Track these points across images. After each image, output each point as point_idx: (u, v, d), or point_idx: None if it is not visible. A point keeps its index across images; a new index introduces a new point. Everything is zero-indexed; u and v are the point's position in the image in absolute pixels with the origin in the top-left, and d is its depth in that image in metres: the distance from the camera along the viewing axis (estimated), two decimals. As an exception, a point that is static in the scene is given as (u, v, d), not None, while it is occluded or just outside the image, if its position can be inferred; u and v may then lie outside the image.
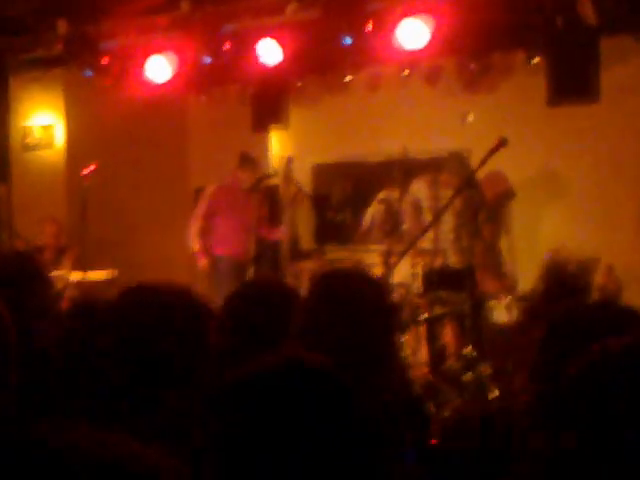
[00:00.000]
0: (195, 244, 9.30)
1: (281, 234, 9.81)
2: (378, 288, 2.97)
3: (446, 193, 8.44)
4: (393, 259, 7.09)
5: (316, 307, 2.79)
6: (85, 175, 8.81)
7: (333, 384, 1.58)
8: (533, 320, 2.92)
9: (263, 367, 1.62)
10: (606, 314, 2.11)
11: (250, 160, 9.48)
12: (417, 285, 8.70)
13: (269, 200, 10.13)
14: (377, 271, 8.15)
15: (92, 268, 8.67)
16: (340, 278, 2.97)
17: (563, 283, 4.77)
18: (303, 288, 9.81)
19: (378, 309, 2.80)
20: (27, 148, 10.42)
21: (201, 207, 9.50)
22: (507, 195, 9.73)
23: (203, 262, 9.30)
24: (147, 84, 9.43)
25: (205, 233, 9.38)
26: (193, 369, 2.31)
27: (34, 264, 3.68)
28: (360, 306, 2.76)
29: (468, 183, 7.96)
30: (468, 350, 7.56)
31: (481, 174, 7.84)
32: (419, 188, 8.89)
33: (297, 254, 10.80)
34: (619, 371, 1.62)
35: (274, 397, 1.55)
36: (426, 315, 8.19)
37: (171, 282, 2.59)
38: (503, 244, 9.60)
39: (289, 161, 9.92)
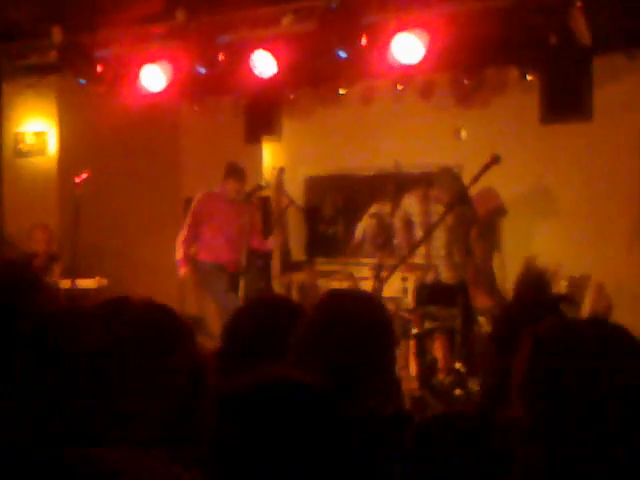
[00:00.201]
0: (178, 252, 9.26)
1: (271, 245, 9.78)
2: (379, 307, 2.98)
3: (437, 208, 8.45)
4: (384, 273, 7.07)
5: (318, 325, 2.79)
6: (78, 183, 8.80)
7: (317, 398, 1.60)
8: (509, 325, 2.91)
9: (249, 383, 1.64)
10: (595, 331, 2.11)
11: (236, 170, 9.42)
12: (408, 300, 8.70)
13: (261, 212, 10.11)
14: (368, 285, 8.15)
15: (83, 276, 8.65)
16: (343, 297, 3.00)
17: (534, 286, 4.85)
18: (293, 299, 9.80)
19: (378, 327, 2.82)
20: (19, 154, 10.40)
21: (188, 216, 9.51)
22: (499, 212, 9.75)
23: (183, 270, 9.25)
24: (141, 93, 9.42)
25: (191, 241, 9.35)
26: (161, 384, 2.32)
27: (32, 272, 3.71)
28: (362, 325, 2.78)
29: (460, 199, 7.98)
30: (458, 365, 7.56)
31: (473, 190, 7.85)
32: (410, 203, 8.89)
33: (288, 266, 10.80)
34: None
35: (260, 410, 1.58)
36: (416, 330, 8.19)
37: (152, 300, 2.59)
38: (495, 260, 9.62)
39: (281, 171, 9.93)
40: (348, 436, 1.62)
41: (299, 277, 10.43)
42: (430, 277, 8.57)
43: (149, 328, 2.44)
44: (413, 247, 8.02)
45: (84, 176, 8.82)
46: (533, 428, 1.80)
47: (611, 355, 1.82)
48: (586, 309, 8.01)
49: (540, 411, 1.80)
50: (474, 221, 8.89)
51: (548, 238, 9.53)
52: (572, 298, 7.82)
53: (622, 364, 1.79)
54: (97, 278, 8.87)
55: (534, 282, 6.99)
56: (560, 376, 1.71)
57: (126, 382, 2.30)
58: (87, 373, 2.28)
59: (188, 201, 10.00)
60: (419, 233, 8.62)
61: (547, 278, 7.96)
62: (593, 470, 1.61)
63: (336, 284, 9.82)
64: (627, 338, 1.97)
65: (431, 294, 8.36)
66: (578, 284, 8.37)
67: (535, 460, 1.75)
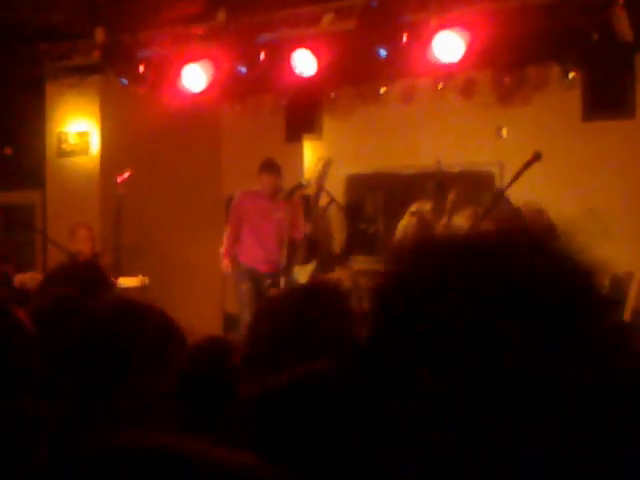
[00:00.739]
0: (223, 246, 9.35)
1: (308, 229, 9.71)
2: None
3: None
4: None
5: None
6: (120, 181, 8.87)
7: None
8: None
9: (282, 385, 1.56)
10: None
11: (267, 165, 9.46)
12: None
13: (303, 209, 10.12)
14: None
15: (125, 275, 8.71)
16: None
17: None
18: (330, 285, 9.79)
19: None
20: (62, 154, 10.49)
21: (229, 214, 9.59)
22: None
23: (225, 263, 9.32)
24: (182, 93, 9.48)
25: (234, 238, 9.43)
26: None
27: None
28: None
29: (496, 200, 7.93)
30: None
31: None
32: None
33: (327, 264, 10.81)
34: None
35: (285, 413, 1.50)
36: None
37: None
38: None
39: (327, 164, 9.83)
40: None
41: (337, 274, 10.44)
42: None
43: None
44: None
45: (126, 175, 8.89)
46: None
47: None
48: (629, 306, 7.95)
49: None
50: None
51: (590, 235, 9.45)
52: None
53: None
54: (139, 277, 8.92)
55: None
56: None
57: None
58: None
59: (229, 200, 10.06)
60: None
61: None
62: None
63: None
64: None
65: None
66: (621, 281, 8.31)
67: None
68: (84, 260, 7.01)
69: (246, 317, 8.93)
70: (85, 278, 3.65)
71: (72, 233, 9.12)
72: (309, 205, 10.72)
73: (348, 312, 2.83)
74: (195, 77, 9.29)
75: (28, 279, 8.30)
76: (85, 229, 9.21)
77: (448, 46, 8.12)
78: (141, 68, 9.46)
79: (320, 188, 9.70)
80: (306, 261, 9.91)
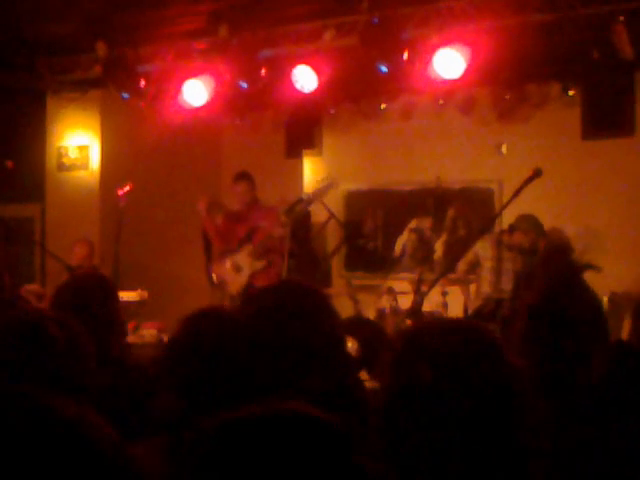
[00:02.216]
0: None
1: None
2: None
3: (509, 255, 8.38)
4: (424, 287, 7.06)
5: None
6: (121, 195, 8.86)
7: (329, 432, 1.40)
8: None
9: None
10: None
11: (241, 174, 9.38)
12: (447, 314, 8.69)
13: (302, 225, 10.08)
14: (408, 299, 8.14)
15: (124, 289, 8.69)
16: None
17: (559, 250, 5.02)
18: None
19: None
20: (62, 168, 10.50)
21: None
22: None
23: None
24: (183, 107, 9.49)
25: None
26: None
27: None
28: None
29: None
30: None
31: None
32: (484, 247, 8.76)
33: (326, 280, 10.80)
34: None
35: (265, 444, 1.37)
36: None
37: None
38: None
39: (330, 184, 9.66)
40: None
41: (336, 291, 10.43)
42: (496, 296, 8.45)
43: None
44: (453, 261, 7.99)
45: (127, 188, 8.88)
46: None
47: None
48: (628, 324, 7.93)
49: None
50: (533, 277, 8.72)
51: (589, 253, 9.45)
52: (596, 266, 7.80)
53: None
54: (138, 291, 8.90)
55: (559, 248, 6.96)
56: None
57: None
58: None
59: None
60: (487, 278, 8.58)
61: (570, 246, 7.91)
62: None
63: (375, 299, 9.83)
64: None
65: (490, 313, 8.29)
66: (620, 299, 8.30)
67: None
68: (92, 273, 6.95)
69: None
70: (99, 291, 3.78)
71: (72, 249, 9.13)
72: (308, 221, 10.72)
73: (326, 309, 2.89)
74: (196, 92, 9.30)
75: (35, 290, 8.37)
76: (82, 245, 9.19)
77: (449, 63, 8.14)
78: (142, 82, 9.47)
79: (311, 201, 9.55)
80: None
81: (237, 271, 9.25)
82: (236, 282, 9.24)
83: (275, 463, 1.32)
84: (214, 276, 9.34)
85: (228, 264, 9.26)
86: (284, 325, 2.74)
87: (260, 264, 9.18)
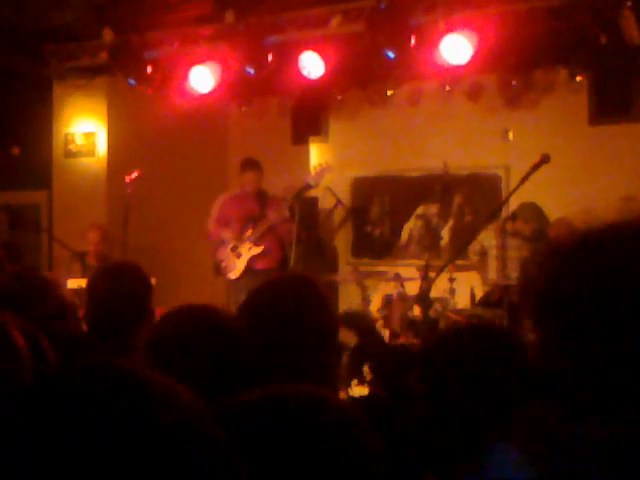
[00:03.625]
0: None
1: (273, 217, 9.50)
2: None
3: (514, 242, 8.39)
4: (432, 274, 7.06)
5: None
6: (128, 181, 8.87)
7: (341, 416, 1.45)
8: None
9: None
10: None
11: (251, 163, 9.47)
12: (454, 301, 8.70)
13: (310, 211, 10.09)
14: (415, 285, 8.15)
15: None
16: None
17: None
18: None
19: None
20: (69, 155, 10.50)
21: (212, 215, 9.62)
22: None
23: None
24: (189, 94, 9.48)
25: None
26: None
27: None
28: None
29: (539, 236, 7.99)
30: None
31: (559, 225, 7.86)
32: (488, 236, 8.75)
33: (332, 266, 10.82)
34: None
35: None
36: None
37: None
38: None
39: (326, 169, 9.63)
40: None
41: (343, 277, 10.45)
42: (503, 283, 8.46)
43: None
44: (460, 248, 8.00)
45: (135, 175, 8.89)
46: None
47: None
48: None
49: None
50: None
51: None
52: None
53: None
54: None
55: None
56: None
57: None
58: None
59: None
60: (493, 264, 8.59)
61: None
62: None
63: (382, 285, 9.84)
64: None
65: (497, 300, 8.30)
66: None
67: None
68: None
69: None
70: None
71: (84, 234, 9.14)
72: (315, 207, 10.73)
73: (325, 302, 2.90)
74: (203, 78, 9.29)
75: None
76: (96, 230, 9.20)
77: (456, 49, 8.12)
78: (149, 69, 9.46)
79: (308, 186, 9.54)
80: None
81: (237, 257, 9.31)
82: (236, 267, 9.31)
83: (292, 442, 1.37)
84: (222, 265, 9.39)
85: (228, 249, 9.34)
86: (278, 324, 2.76)
87: (258, 249, 9.24)
